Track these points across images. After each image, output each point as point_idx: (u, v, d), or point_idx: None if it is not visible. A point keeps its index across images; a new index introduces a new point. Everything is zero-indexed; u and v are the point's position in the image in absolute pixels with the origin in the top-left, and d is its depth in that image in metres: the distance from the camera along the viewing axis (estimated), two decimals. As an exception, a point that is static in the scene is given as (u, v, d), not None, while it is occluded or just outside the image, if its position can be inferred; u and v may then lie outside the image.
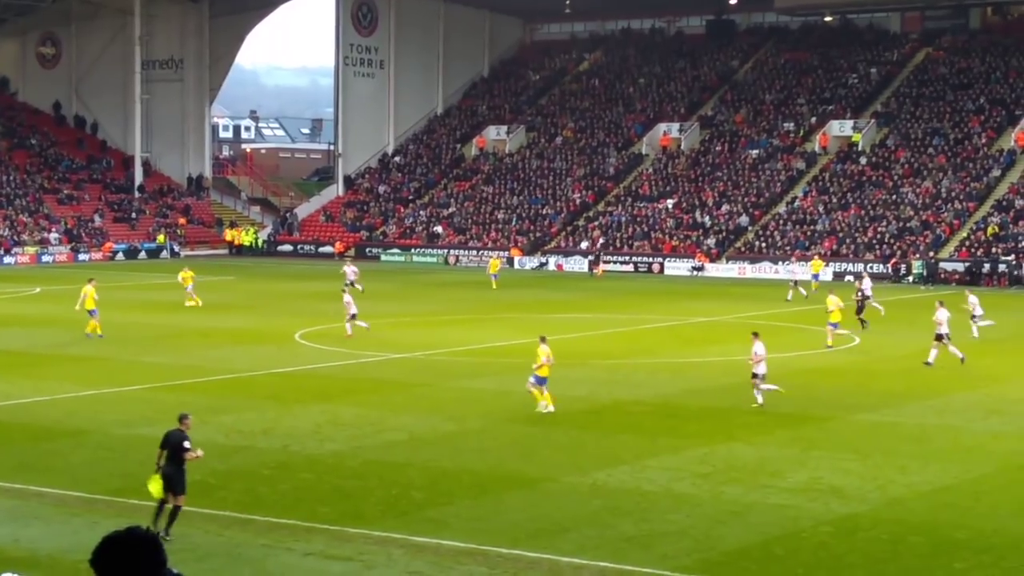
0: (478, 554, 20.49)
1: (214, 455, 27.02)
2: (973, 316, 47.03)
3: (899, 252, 77.35)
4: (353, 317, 46.11)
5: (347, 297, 47.30)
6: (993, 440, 29.58)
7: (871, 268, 76.53)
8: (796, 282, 63.33)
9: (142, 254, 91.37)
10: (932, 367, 39.81)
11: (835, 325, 45.17)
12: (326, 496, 23.82)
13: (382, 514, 22.58)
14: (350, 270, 62.11)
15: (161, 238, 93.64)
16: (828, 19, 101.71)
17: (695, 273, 79.68)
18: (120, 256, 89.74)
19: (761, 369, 32.82)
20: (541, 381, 31.78)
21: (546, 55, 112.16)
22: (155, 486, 21.41)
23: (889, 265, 76.06)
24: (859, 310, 49.91)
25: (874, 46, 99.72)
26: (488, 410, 32.52)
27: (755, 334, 33.83)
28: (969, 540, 21.58)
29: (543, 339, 32.62)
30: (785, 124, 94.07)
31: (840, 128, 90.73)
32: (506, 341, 45.83)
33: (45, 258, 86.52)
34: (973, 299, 47.70)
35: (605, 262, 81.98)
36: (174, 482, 21.37)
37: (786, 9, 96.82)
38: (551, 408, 31.46)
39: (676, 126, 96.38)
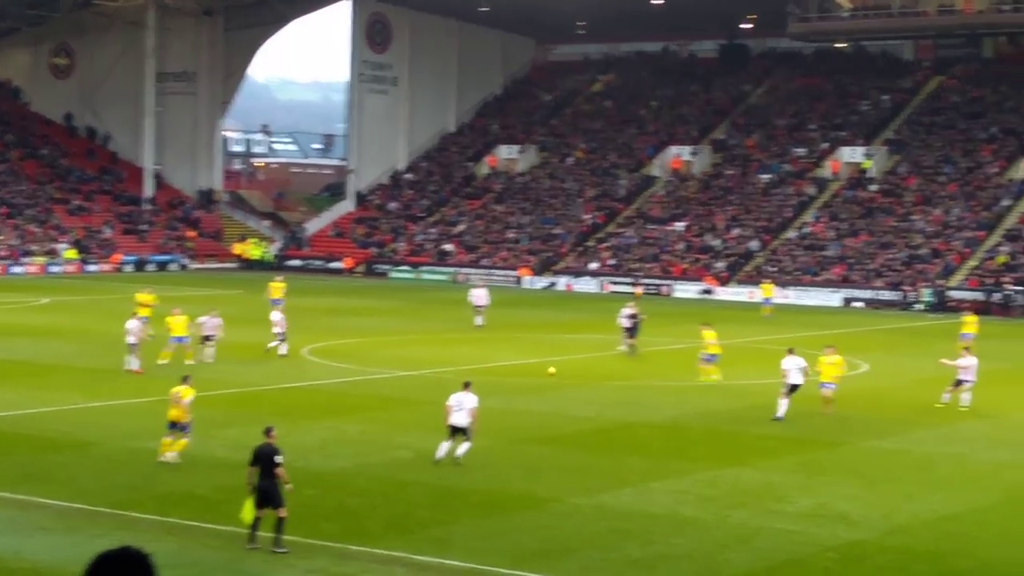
0: (481, 574, 20.41)
1: (219, 469, 27.00)
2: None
3: (908, 279, 77.21)
4: None
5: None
6: (999, 470, 29.51)
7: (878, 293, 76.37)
8: (478, 307, 58.33)
9: (150, 266, 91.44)
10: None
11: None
12: (330, 513, 23.75)
13: (386, 532, 22.51)
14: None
15: (72, 252, 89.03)
16: (841, 46, 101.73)
17: (704, 296, 79.59)
18: (129, 268, 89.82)
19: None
20: (181, 427, 27.66)
21: (559, 76, 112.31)
22: (248, 512, 21.11)
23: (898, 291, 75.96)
24: (632, 334, 48.45)
25: (887, 73, 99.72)
26: (495, 429, 32.40)
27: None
28: (973, 569, 21.49)
29: (185, 379, 28.58)
30: (797, 149, 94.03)
31: (851, 154, 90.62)
32: (513, 361, 45.77)
33: (53, 268, 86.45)
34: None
35: (613, 283, 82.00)
36: (273, 495, 21.21)
37: (799, 35, 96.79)
38: (172, 456, 27.36)
39: (688, 149, 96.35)
